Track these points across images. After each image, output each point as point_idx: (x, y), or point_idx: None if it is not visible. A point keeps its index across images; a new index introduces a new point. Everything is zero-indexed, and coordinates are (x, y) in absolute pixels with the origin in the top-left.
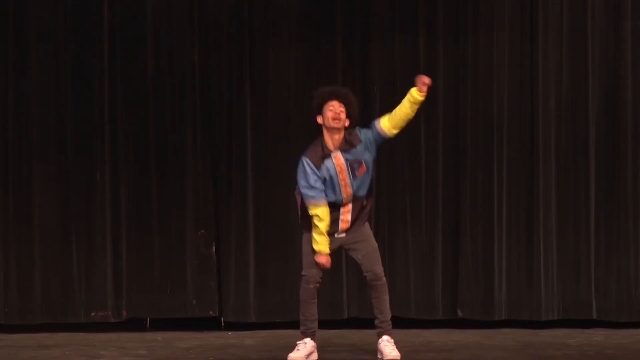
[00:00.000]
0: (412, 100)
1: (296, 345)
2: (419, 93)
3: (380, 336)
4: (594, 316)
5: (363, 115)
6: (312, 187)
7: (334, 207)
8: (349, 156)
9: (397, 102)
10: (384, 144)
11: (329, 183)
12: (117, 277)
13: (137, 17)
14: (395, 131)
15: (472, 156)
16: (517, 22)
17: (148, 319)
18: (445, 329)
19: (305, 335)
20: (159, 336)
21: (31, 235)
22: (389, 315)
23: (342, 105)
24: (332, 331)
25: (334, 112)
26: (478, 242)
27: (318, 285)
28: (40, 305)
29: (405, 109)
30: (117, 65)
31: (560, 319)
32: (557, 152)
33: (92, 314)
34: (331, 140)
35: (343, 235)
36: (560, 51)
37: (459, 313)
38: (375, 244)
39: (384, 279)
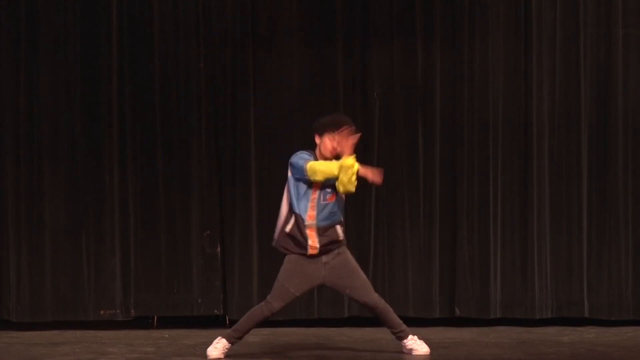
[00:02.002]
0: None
1: (214, 343)
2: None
3: (401, 340)
4: (586, 314)
5: (363, 120)
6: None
7: (301, 224)
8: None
9: (396, 108)
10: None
11: (305, 192)
12: (125, 276)
13: (145, 26)
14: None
15: (468, 159)
16: (511, 28)
17: (155, 317)
18: (443, 326)
19: (229, 340)
20: (166, 334)
21: (42, 237)
22: (400, 324)
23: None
24: (333, 329)
25: (334, 148)
26: (474, 243)
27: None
28: (51, 304)
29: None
30: (125, 73)
31: (554, 317)
32: (550, 156)
33: (101, 312)
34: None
35: (315, 253)
36: (553, 57)
37: (456, 311)
38: (363, 275)
39: (382, 303)
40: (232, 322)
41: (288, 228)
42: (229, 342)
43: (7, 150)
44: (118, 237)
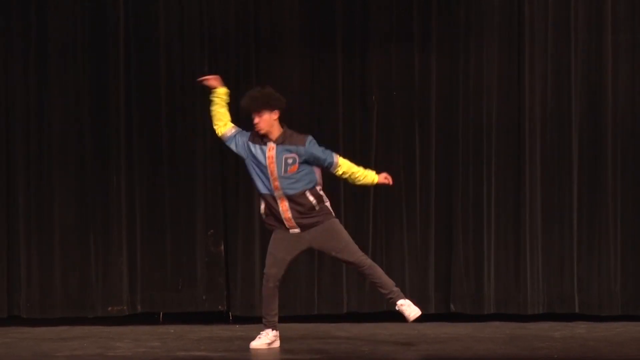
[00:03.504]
0: (368, 182)
1: (259, 335)
2: (378, 182)
3: (394, 304)
4: (577, 310)
5: (362, 123)
6: (237, 135)
7: (271, 200)
8: (284, 150)
9: (393, 111)
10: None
11: (259, 170)
12: (132, 274)
13: (151, 31)
14: (338, 174)
15: (463, 161)
16: (505, 36)
17: (161, 313)
18: (438, 322)
19: (267, 327)
20: (171, 329)
21: (51, 235)
22: (391, 285)
23: (256, 115)
24: (332, 324)
25: (255, 126)
26: (469, 242)
27: (277, 284)
28: (60, 301)
29: (356, 180)
30: (132, 76)
31: (545, 313)
32: (542, 158)
33: (109, 308)
34: (270, 134)
35: (297, 231)
36: (545, 63)
37: (452, 307)
38: (347, 237)
39: (368, 262)
40: (236, 318)
41: (262, 209)
42: (271, 329)
43: (17, 151)
44: (125, 236)
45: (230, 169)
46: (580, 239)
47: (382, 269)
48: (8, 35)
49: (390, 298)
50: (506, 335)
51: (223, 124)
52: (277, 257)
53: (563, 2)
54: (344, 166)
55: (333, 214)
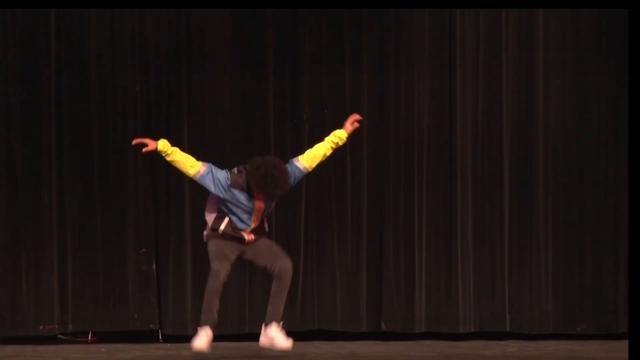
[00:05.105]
0: (336, 141)
1: (198, 334)
2: (345, 134)
3: (269, 324)
4: (508, 329)
5: (293, 143)
6: (212, 172)
7: (238, 229)
8: (270, 199)
9: (325, 129)
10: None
11: (238, 210)
12: (63, 292)
13: (82, 51)
14: (313, 168)
15: (394, 180)
16: (436, 55)
17: (90, 332)
18: (369, 340)
19: (206, 324)
20: (103, 348)
21: None
22: (277, 313)
23: (270, 200)
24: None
25: (258, 201)
26: (400, 260)
27: (225, 280)
28: None
29: (324, 149)
30: (63, 95)
31: (477, 331)
32: (473, 177)
33: (40, 327)
34: None
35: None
36: (476, 82)
37: (383, 326)
38: (274, 243)
39: (291, 270)
40: (166, 337)
41: (222, 229)
42: (209, 328)
43: None
44: (56, 255)
45: (162, 187)
46: (511, 257)
47: (314, 286)
48: None
49: (274, 318)
50: (437, 354)
51: (190, 166)
52: (226, 255)
53: (494, 21)
54: (310, 161)
55: None
